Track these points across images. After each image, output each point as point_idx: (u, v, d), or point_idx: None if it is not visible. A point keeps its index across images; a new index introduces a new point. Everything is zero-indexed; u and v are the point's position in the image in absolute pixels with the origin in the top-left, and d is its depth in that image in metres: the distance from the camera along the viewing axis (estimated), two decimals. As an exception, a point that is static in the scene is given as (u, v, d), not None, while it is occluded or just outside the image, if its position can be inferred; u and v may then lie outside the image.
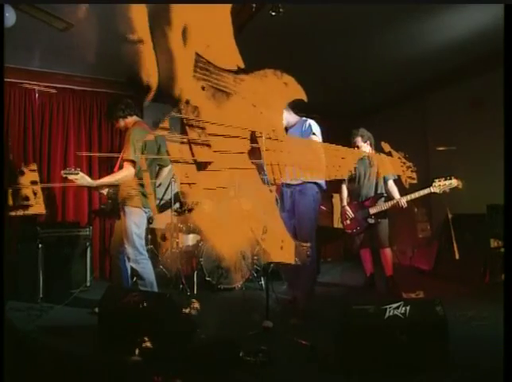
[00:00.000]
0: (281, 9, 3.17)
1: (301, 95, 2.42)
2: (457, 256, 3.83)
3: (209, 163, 1.76)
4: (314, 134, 2.91)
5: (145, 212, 3.00)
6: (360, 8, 3.38)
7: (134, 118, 3.14)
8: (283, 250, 2.05)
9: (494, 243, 4.04)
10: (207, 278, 4.03)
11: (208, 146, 1.75)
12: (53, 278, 3.73)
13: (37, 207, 1.87)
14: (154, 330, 2.18)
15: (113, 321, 2.39)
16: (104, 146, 5.07)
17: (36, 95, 4.69)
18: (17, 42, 3.74)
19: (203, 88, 2.29)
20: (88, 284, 4.09)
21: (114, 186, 3.02)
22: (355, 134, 4.04)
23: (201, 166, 1.76)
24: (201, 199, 1.82)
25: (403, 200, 3.77)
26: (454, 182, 3.65)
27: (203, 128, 1.82)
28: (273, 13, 3.20)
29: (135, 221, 2.93)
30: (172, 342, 2.21)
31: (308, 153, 2.27)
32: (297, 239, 2.47)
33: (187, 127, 1.79)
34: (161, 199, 3.96)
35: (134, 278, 3.30)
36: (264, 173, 1.86)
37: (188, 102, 1.84)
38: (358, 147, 4.07)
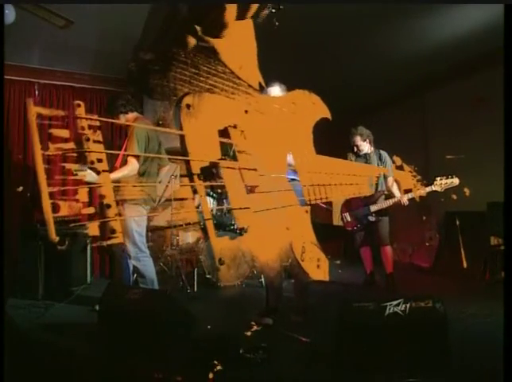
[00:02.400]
0: (280, 6, 3.16)
1: (327, 113, 2.46)
2: (465, 265, 3.85)
3: (256, 186, 1.79)
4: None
5: (145, 209, 3.00)
6: (360, 7, 3.37)
7: (135, 114, 3.14)
8: (319, 268, 2.12)
9: (494, 241, 4.04)
10: (207, 276, 4.03)
11: (255, 169, 1.80)
12: (53, 276, 3.74)
13: (120, 238, 1.93)
14: (155, 327, 2.19)
15: (113, 318, 2.40)
16: (104, 144, 5.06)
17: (36, 92, 4.68)
18: (16, 39, 3.73)
19: (246, 112, 2.33)
20: (89, 281, 4.09)
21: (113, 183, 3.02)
22: (354, 133, 4.04)
23: (249, 190, 1.79)
24: (253, 222, 1.84)
25: (404, 198, 3.77)
26: (456, 181, 3.65)
27: (249, 154, 1.81)
28: (273, 10, 3.20)
29: (135, 218, 2.93)
30: (172, 339, 2.22)
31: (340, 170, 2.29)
32: None
33: (237, 153, 1.80)
34: (161, 196, 3.95)
35: (135, 276, 3.30)
36: (301, 194, 1.92)
37: (235, 126, 1.84)
38: (357, 146, 4.07)
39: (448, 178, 3.66)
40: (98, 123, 1.97)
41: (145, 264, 2.97)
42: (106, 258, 4.89)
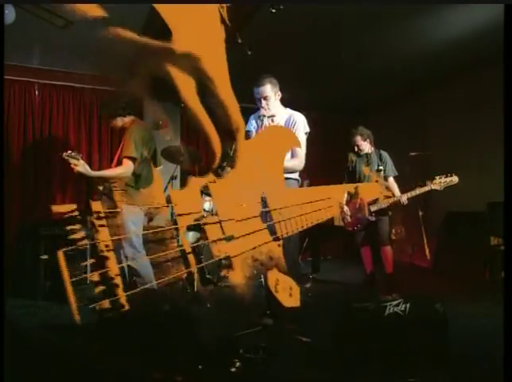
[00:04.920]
0: (281, 6, 3.16)
1: (297, 143, 2.51)
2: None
3: (232, 236, 1.86)
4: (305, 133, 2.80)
5: (142, 210, 2.99)
6: (360, 7, 3.37)
7: (132, 117, 3.14)
8: (292, 296, 2.26)
9: (494, 241, 4.05)
10: (208, 276, 4.02)
11: (232, 220, 1.86)
12: (53, 276, 3.73)
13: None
14: (154, 327, 2.18)
15: (113, 318, 2.39)
16: (104, 144, 5.07)
17: (36, 92, 4.68)
18: (16, 39, 3.73)
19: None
20: (88, 281, 4.08)
21: (110, 183, 3.03)
22: (355, 133, 4.05)
23: (230, 239, 1.86)
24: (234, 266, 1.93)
25: (404, 198, 3.77)
26: (455, 179, 3.65)
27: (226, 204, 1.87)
28: (273, 10, 3.20)
29: (132, 219, 2.92)
30: (171, 339, 2.22)
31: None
32: None
33: (217, 207, 1.84)
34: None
35: (134, 278, 3.29)
36: (274, 230, 2.02)
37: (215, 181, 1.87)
38: (358, 146, 4.08)
39: (447, 176, 3.66)
40: None
41: (143, 264, 2.97)
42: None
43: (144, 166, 3.03)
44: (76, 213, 1.44)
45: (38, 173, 4.66)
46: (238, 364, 1.89)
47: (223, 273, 1.83)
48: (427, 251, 4.64)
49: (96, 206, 1.47)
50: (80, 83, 4.92)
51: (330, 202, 2.42)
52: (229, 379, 1.95)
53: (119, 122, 3.12)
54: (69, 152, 2.71)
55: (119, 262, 3.06)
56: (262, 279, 4.06)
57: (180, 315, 2.40)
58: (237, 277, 1.87)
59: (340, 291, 4.09)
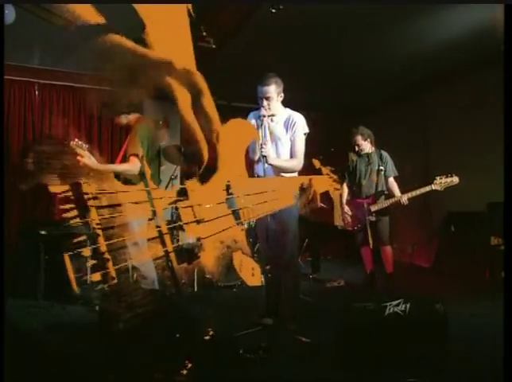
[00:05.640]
0: (280, 6, 3.16)
1: (256, 135, 2.64)
2: (465, 265, 3.91)
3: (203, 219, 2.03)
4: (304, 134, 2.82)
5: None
6: (361, 6, 3.37)
7: (137, 115, 3.14)
8: (254, 276, 2.53)
9: (494, 241, 4.04)
10: (207, 276, 4.03)
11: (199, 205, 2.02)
12: (53, 276, 3.73)
13: None
14: (155, 328, 2.18)
15: (114, 318, 2.39)
16: (104, 144, 5.07)
17: (36, 92, 4.68)
18: (16, 39, 3.73)
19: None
20: (88, 282, 4.09)
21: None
22: (355, 133, 4.04)
23: (199, 222, 2.04)
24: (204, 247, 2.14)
25: (404, 198, 3.77)
26: (455, 180, 3.65)
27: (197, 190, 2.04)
28: (273, 10, 3.20)
29: (135, 219, 2.92)
30: (172, 340, 2.22)
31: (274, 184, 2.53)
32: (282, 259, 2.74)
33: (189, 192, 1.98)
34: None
35: (135, 276, 3.29)
36: (238, 216, 2.13)
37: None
38: (358, 146, 4.07)
39: (447, 177, 3.65)
40: None
41: (147, 264, 2.97)
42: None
43: (151, 165, 3.02)
44: (70, 193, 1.57)
45: (38, 172, 4.65)
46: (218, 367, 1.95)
47: (196, 252, 1.97)
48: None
49: (87, 188, 1.61)
50: (80, 83, 4.92)
51: (284, 192, 2.53)
52: (229, 379, 1.96)
53: (123, 119, 3.11)
54: (77, 140, 2.66)
55: (124, 261, 3.07)
56: (262, 279, 4.08)
57: (181, 315, 2.40)
58: (208, 257, 2.02)
59: (340, 291, 4.09)
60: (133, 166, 2.86)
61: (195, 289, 3.92)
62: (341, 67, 4.70)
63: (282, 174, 2.78)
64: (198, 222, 1.98)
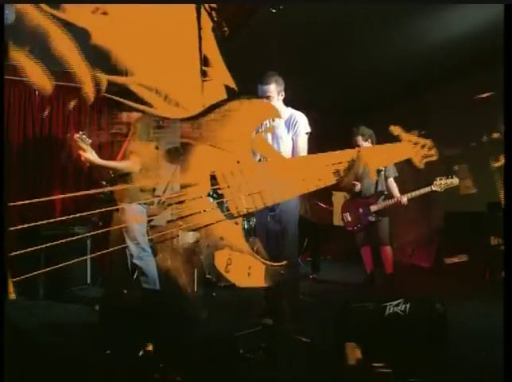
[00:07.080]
0: (281, 6, 3.16)
1: (277, 114, 2.30)
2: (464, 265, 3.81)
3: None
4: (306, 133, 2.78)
5: (144, 208, 2.99)
6: (361, 6, 3.37)
7: (139, 113, 3.13)
8: (250, 276, 2.22)
9: (494, 241, 4.04)
10: (207, 276, 4.03)
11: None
12: (53, 276, 3.73)
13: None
14: (155, 328, 2.18)
15: (113, 318, 2.40)
16: (104, 144, 5.06)
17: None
18: (16, 39, 3.72)
19: (156, 148, 2.35)
20: (88, 282, 4.09)
21: (111, 182, 3.02)
22: (356, 133, 4.03)
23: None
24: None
25: (404, 199, 3.76)
26: (455, 181, 3.65)
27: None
28: (274, 10, 3.20)
29: (135, 217, 2.92)
30: (172, 339, 2.21)
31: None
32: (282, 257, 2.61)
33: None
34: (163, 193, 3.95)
35: (135, 275, 3.30)
36: (226, 209, 1.86)
37: None
38: (358, 146, 4.06)
39: (447, 178, 3.65)
40: None
41: (148, 264, 2.97)
42: (105, 258, 4.89)
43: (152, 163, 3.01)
44: None
45: (38, 172, 4.65)
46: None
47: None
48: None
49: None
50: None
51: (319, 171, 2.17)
52: (229, 379, 1.95)
53: (125, 116, 3.11)
54: (81, 133, 2.65)
55: (125, 259, 3.08)
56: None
57: (181, 315, 2.40)
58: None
59: (340, 291, 4.09)
60: (132, 164, 2.86)
61: (195, 289, 3.92)
62: (342, 67, 4.70)
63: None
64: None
